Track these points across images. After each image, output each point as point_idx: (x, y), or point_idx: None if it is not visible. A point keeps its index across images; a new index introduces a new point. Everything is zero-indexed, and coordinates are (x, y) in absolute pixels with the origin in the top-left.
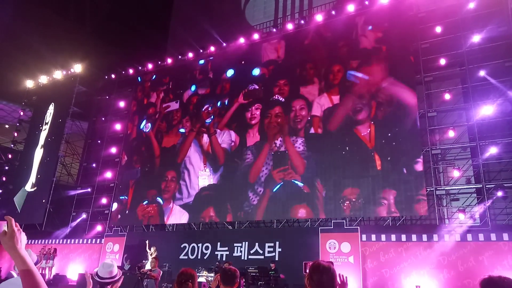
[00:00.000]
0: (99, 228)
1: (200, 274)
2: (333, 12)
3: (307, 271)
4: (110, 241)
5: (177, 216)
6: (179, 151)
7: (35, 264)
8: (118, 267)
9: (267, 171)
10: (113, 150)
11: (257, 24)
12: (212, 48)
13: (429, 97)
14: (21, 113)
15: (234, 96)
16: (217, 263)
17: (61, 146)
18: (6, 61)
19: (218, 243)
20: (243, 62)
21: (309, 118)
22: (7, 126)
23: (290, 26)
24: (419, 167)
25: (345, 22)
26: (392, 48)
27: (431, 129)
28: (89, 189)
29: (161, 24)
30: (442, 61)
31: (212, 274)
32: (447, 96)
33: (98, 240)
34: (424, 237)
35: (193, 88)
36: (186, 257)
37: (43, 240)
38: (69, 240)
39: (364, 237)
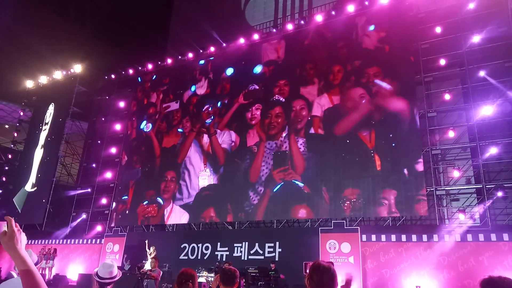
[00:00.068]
0: (99, 228)
1: (200, 275)
2: (333, 13)
3: (307, 271)
4: (110, 241)
5: (177, 216)
6: (179, 151)
7: (35, 264)
8: (118, 267)
9: (267, 171)
10: (113, 150)
11: (257, 25)
12: (212, 49)
13: (429, 98)
14: (21, 113)
15: (234, 96)
16: (217, 263)
17: (61, 146)
18: (6, 61)
19: (218, 243)
20: (243, 63)
21: (309, 118)
22: (7, 126)
23: (290, 27)
24: (419, 167)
25: (345, 23)
26: (393, 48)
27: (431, 129)
28: (89, 189)
29: (161, 24)
30: (442, 62)
31: (212, 274)
32: (447, 97)
33: (98, 240)
34: (424, 237)
35: (193, 88)
36: (186, 257)
37: (43, 240)
38: (69, 240)
39: (364, 237)
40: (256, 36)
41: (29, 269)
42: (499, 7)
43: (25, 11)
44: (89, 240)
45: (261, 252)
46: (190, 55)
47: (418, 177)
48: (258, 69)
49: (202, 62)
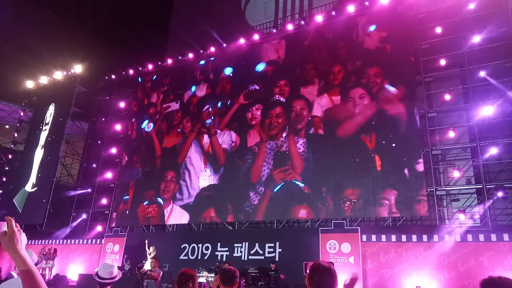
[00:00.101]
0: (99, 228)
1: (200, 275)
2: (333, 13)
3: (308, 271)
4: (110, 241)
5: (177, 216)
6: (179, 152)
7: (36, 264)
8: (118, 267)
9: (268, 171)
10: (113, 150)
11: (257, 25)
12: (212, 49)
13: (429, 98)
14: (22, 114)
15: (234, 97)
16: (217, 263)
17: (61, 147)
18: (6, 61)
19: (218, 244)
20: (243, 63)
21: (309, 118)
22: (7, 126)
23: (290, 27)
24: (419, 167)
25: (345, 23)
26: (393, 48)
27: (431, 129)
28: (89, 190)
29: (161, 24)
30: (442, 62)
31: (212, 275)
32: (447, 97)
33: (98, 240)
34: (425, 237)
35: (193, 88)
36: (186, 258)
37: (43, 241)
38: (69, 241)
39: (364, 237)
40: (256, 37)
41: (29, 269)
42: (499, 7)
43: (25, 11)
44: (89, 240)
45: (261, 252)
46: (190, 55)
47: (418, 177)
48: (260, 67)
49: (202, 62)
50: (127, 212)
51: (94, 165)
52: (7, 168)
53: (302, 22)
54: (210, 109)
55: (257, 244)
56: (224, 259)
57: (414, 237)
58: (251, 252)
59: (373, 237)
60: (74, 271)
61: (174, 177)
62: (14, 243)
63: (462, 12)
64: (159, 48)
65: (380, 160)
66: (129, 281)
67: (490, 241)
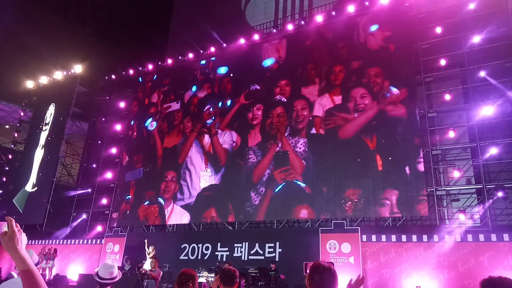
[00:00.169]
0: (99, 228)
1: (200, 275)
2: (333, 13)
3: (308, 271)
4: (110, 241)
5: (178, 216)
6: (180, 152)
7: (36, 265)
8: (118, 267)
9: (269, 171)
10: (113, 150)
11: (258, 25)
12: (213, 49)
13: (429, 98)
14: (22, 114)
15: (235, 97)
16: (217, 263)
17: (62, 147)
18: (6, 62)
19: (219, 244)
20: (244, 63)
21: (310, 118)
22: (7, 126)
23: (290, 27)
24: (420, 167)
25: (346, 23)
26: (395, 48)
27: (432, 129)
28: (89, 190)
29: (161, 24)
30: (443, 62)
31: (213, 275)
32: (447, 97)
33: (98, 240)
34: (425, 237)
35: (194, 88)
36: (186, 258)
37: (43, 241)
38: (69, 241)
39: (364, 237)
40: (256, 37)
41: (29, 269)
42: (499, 7)
43: (26, 12)
44: (89, 241)
45: (261, 252)
46: (191, 55)
47: (418, 177)
48: (268, 62)
49: (203, 62)
50: (128, 212)
51: (94, 165)
52: (7, 168)
53: (302, 22)
54: (211, 109)
55: (257, 244)
56: (224, 259)
57: (414, 237)
58: (251, 252)
59: (373, 237)
60: (74, 271)
61: (174, 177)
62: (14, 243)
63: (462, 12)
64: (159, 48)
65: (381, 160)
66: (129, 281)
67: (490, 241)
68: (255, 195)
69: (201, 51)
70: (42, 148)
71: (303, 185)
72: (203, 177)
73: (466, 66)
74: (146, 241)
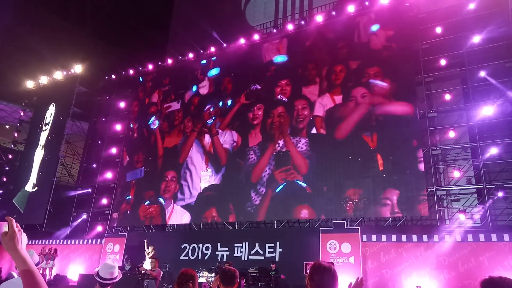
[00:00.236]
0: (99, 228)
1: (200, 275)
2: (333, 13)
3: (308, 271)
4: (111, 241)
5: (178, 216)
6: (180, 151)
7: (37, 265)
8: (119, 267)
9: (269, 171)
10: (114, 150)
11: (258, 25)
12: (213, 49)
13: (430, 98)
14: (22, 114)
15: (236, 96)
16: (217, 263)
17: (62, 147)
18: (6, 61)
19: (219, 244)
20: (245, 63)
21: (311, 118)
22: (7, 126)
23: (290, 27)
24: (420, 167)
25: (346, 22)
26: (396, 48)
27: (432, 129)
28: (89, 190)
29: (161, 24)
30: (443, 62)
31: (213, 275)
32: (447, 97)
33: (99, 240)
34: (425, 237)
35: (194, 88)
36: (186, 258)
37: (44, 241)
38: (69, 241)
39: (364, 237)
40: (256, 37)
41: (29, 269)
42: (499, 7)
43: (26, 12)
44: (90, 241)
45: (261, 252)
46: (191, 55)
47: (419, 177)
48: (280, 58)
49: (204, 62)
50: (128, 212)
51: (94, 165)
52: (7, 168)
53: (302, 22)
54: (211, 109)
55: (257, 244)
56: (224, 259)
57: (414, 237)
58: (252, 252)
59: (374, 237)
60: (74, 271)
61: (174, 176)
62: (14, 243)
63: (462, 12)
64: (159, 48)
65: (382, 159)
66: (130, 281)
67: (490, 241)
68: (256, 195)
69: (201, 51)
70: (42, 148)
71: (304, 185)
72: (203, 177)
73: (466, 66)
74: (145, 241)
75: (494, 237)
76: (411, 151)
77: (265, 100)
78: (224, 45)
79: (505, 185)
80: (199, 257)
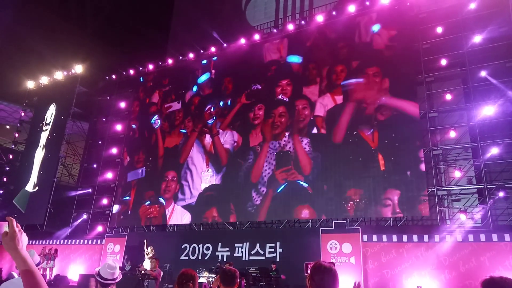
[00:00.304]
0: (99, 228)
1: (201, 275)
2: (334, 13)
3: (309, 271)
4: (111, 241)
5: (179, 216)
6: (181, 152)
7: (37, 265)
8: (119, 267)
9: (270, 171)
10: (114, 150)
11: (258, 25)
12: (213, 49)
13: (430, 98)
14: (22, 114)
15: (236, 96)
16: (218, 263)
17: (62, 147)
18: (7, 62)
19: (219, 244)
20: (245, 63)
21: (311, 118)
22: (8, 126)
23: (291, 27)
24: (421, 167)
25: (347, 22)
26: (396, 47)
27: (433, 129)
28: (89, 190)
29: (161, 24)
30: (443, 62)
31: (213, 275)
32: (448, 97)
33: (99, 240)
34: (426, 237)
35: (195, 88)
36: (187, 258)
37: (44, 241)
38: (70, 241)
39: (365, 237)
40: (257, 37)
41: (30, 269)
42: (500, 7)
43: (26, 12)
44: (90, 241)
45: (262, 252)
46: (191, 55)
47: (420, 178)
48: (294, 59)
49: (204, 62)
50: (129, 212)
51: (94, 165)
52: (7, 168)
53: (303, 22)
54: (212, 109)
55: (257, 244)
56: (224, 259)
57: (415, 237)
58: (252, 252)
59: (374, 237)
60: (74, 271)
61: (175, 177)
62: (15, 243)
63: (463, 12)
64: (160, 48)
65: (384, 159)
66: (130, 282)
67: (491, 241)
68: (257, 195)
69: (202, 51)
70: (42, 148)
71: (305, 185)
72: (204, 177)
73: (467, 66)
74: (145, 241)
75: (495, 237)
76: (412, 151)
77: (266, 100)
78: (225, 45)
79: (506, 185)
80: (200, 257)
